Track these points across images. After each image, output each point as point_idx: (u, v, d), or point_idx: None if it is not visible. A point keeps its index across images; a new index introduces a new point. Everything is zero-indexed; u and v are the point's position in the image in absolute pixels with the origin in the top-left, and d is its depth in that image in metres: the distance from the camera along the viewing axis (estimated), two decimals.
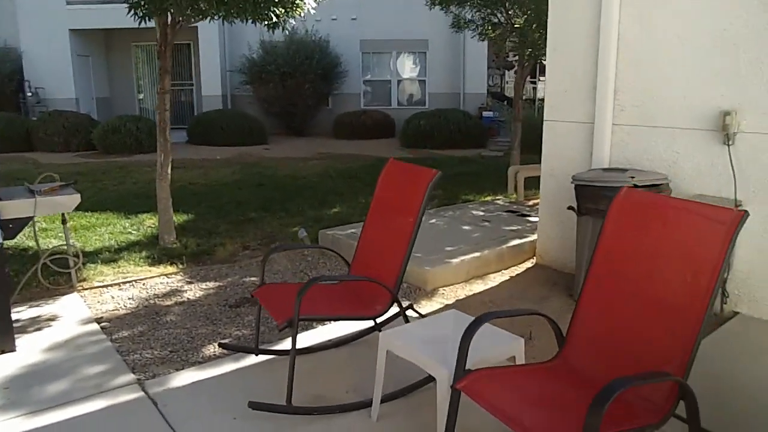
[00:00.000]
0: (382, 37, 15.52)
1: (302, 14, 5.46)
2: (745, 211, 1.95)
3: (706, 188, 3.77)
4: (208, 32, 14.37)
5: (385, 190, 3.31)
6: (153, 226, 6.23)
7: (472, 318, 2.78)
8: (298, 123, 14.84)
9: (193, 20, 4.88)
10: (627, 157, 4.17)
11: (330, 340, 3.48)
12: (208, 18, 4.99)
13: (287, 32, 14.59)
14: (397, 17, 15.02)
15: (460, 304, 4.21)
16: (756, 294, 3.66)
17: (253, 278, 4.70)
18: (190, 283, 4.63)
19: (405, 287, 4.47)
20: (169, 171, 5.59)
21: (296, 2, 5.02)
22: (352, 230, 5.43)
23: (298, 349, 3.28)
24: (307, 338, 3.50)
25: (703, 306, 1.99)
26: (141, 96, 16.18)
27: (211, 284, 4.60)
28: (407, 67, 16.38)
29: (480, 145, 12.97)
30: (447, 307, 4.17)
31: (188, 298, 4.31)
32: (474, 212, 6.15)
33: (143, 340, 3.61)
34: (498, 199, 6.99)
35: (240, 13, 4.81)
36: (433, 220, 5.79)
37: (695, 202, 2.13)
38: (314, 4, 5.42)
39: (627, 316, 2.21)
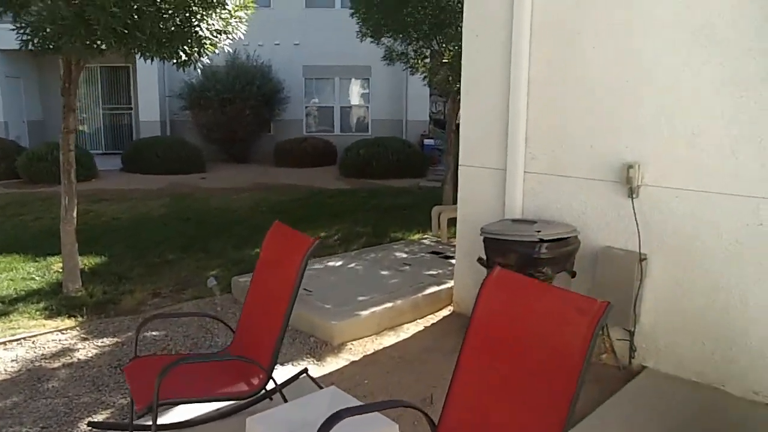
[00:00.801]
0: (325, 62, 15.39)
1: (216, 52, 5.24)
2: (608, 303, 1.82)
3: (614, 240, 3.69)
4: None
5: (268, 253, 3.10)
6: (60, 270, 5.84)
7: (351, 398, 2.61)
8: (238, 150, 14.50)
9: (91, 59, 4.59)
10: (539, 206, 4.08)
11: (217, 410, 3.22)
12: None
13: (229, 57, 14.38)
14: (340, 43, 14.89)
15: (367, 360, 4.01)
16: (661, 347, 3.58)
17: (155, 332, 4.40)
18: (85, 339, 4.29)
19: (312, 342, 4.24)
20: (75, 214, 5.24)
21: (207, 40, 4.77)
22: None
23: (173, 423, 3.02)
24: (189, 409, 3.23)
25: (567, 399, 1.84)
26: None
27: (107, 341, 4.26)
28: (350, 94, 16.28)
29: (420, 175, 12.88)
30: (353, 363, 3.96)
31: (78, 359, 3.97)
32: (397, 254, 5.98)
33: (14, 414, 3.26)
34: (425, 238, 6.84)
35: (143, 51, 4.55)
36: (353, 264, 5.59)
37: (561, 291, 1.99)
38: (238, 35, 5.17)
39: (498, 403, 2.05)
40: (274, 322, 2.75)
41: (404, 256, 5.92)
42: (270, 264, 3.02)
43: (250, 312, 3.05)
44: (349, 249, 6.60)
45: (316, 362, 3.97)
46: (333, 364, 3.95)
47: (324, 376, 3.77)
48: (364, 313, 4.37)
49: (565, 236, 3.64)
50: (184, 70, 5.24)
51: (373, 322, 4.40)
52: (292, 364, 3.92)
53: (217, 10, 4.69)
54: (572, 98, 3.81)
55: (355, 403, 2.51)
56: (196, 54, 4.94)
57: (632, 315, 3.54)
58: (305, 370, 3.41)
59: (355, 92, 16.33)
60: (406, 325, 4.60)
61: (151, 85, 13.96)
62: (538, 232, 3.56)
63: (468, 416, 2.09)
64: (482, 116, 4.34)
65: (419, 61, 8.17)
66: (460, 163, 4.57)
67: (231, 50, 14.13)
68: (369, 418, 2.32)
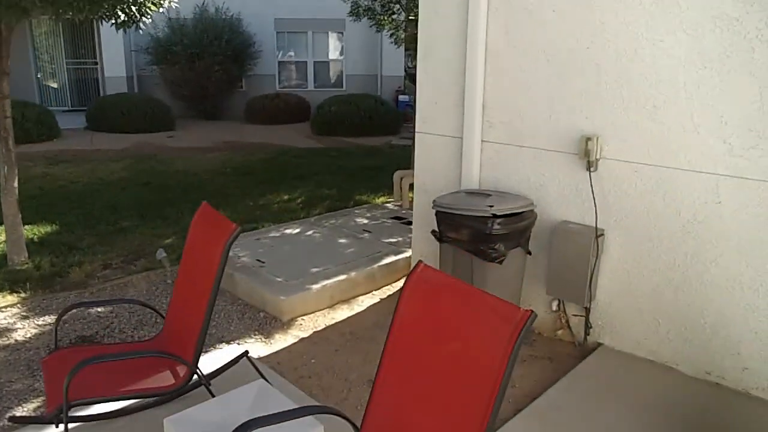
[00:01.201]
0: (298, 15, 14.76)
1: (162, 10, 4.85)
2: (531, 312, 1.63)
3: (572, 215, 3.50)
4: None
5: (193, 238, 2.86)
6: (4, 242, 5.56)
7: (278, 393, 2.44)
8: (209, 106, 13.98)
9: (16, 21, 4.20)
10: (497, 177, 3.86)
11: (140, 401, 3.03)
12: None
13: (197, 9, 13.71)
14: None
15: (317, 337, 3.85)
16: (617, 325, 3.45)
17: (100, 309, 4.19)
18: (26, 318, 4.07)
19: (261, 317, 4.08)
20: (15, 184, 4.92)
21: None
22: None
23: (93, 415, 2.84)
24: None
25: (486, 411, 1.66)
26: (39, 75, 14.79)
27: (49, 319, 4.04)
28: (324, 48, 15.70)
29: (393, 132, 12.56)
30: (302, 341, 3.80)
31: (15, 340, 3.75)
32: (358, 220, 5.77)
33: None
34: (389, 202, 6.63)
35: (73, 10, 4.16)
36: (311, 232, 5.37)
37: (486, 296, 1.79)
38: None
39: (417, 409, 1.88)
40: (197, 315, 2.55)
41: (365, 222, 5.71)
42: (194, 250, 2.79)
43: (177, 299, 2.85)
44: (311, 214, 6.38)
45: (264, 339, 3.80)
46: (281, 341, 3.79)
47: (270, 355, 3.61)
48: (316, 286, 4.19)
49: (520, 211, 3.44)
50: (125, 31, 4.87)
51: (325, 296, 4.22)
52: (238, 343, 3.75)
53: None
54: (531, 66, 3.55)
55: (281, 399, 2.35)
56: (136, 14, 4.56)
57: (587, 292, 3.39)
58: (245, 353, 3.23)
59: (329, 46, 15.75)
60: (360, 298, 4.44)
61: (116, 38, 13.23)
62: (491, 207, 3.36)
63: (389, 422, 1.93)
64: (439, 82, 4.06)
65: (386, 18, 7.76)
66: (416, 130, 4.31)
67: (199, 2, 13.55)
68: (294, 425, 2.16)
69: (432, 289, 1.89)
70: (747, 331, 2.95)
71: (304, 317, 4.10)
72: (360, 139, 11.70)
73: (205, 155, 9.67)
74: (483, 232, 3.35)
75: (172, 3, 4.76)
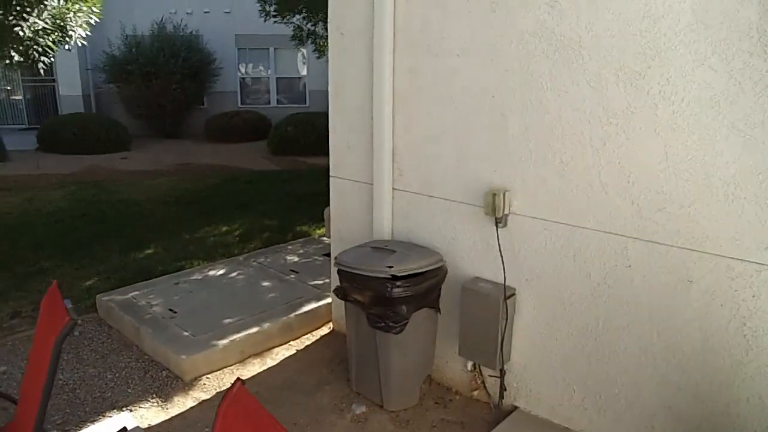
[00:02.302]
0: (259, 32, 14.36)
1: (68, 48, 4.49)
2: None
3: (484, 271, 3.20)
4: None
5: (37, 325, 2.50)
6: None
7: None
8: (167, 125, 13.55)
9: None
10: (409, 228, 3.56)
11: None
12: None
13: (154, 26, 13.29)
14: None
15: (218, 399, 3.48)
16: (532, 388, 3.15)
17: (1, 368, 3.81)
18: None
19: (163, 376, 3.71)
20: None
21: (31, 41, 4.03)
22: (134, 293, 4.59)
23: None
24: None
25: None
26: None
27: None
28: (286, 64, 15.34)
29: None
30: (201, 404, 3.45)
31: None
32: (289, 257, 5.43)
33: None
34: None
35: None
36: (235, 273, 5.01)
37: None
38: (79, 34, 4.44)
39: None
40: (32, 411, 2.19)
41: (296, 259, 5.37)
42: (35, 340, 2.43)
43: (23, 390, 2.47)
44: (246, 248, 6.03)
45: (160, 404, 3.44)
46: (179, 405, 3.43)
47: (162, 423, 3.26)
48: (223, 342, 3.83)
49: (425, 269, 3.13)
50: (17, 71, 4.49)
51: (234, 351, 3.87)
52: (130, 410, 3.39)
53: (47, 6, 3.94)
54: (439, 112, 3.25)
55: None
56: (35, 54, 4.20)
57: (498, 356, 3.09)
58: (123, 430, 2.88)
59: (292, 62, 15.40)
60: (276, 350, 4.09)
61: (70, 55, 12.73)
62: (390, 267, 3.05)
63: None
64: (351, 124, 3.75)
65: (325, 43, 7.44)
66: (330, 174, 4.00)
67: (157, 18, 13.13)
68: None
69: (243, 417, 1.55)
70: (661, 406, 2.67)
71: (209, 376, 3.74)
72: (316, 159, 11.32)
73: (154, 180, 9.24)
74: (384, 295, 3.04)
75: (77, 41, 4.41)
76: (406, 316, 3.09)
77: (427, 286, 3.14)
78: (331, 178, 4.00)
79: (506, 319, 3.04)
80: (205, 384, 3.66)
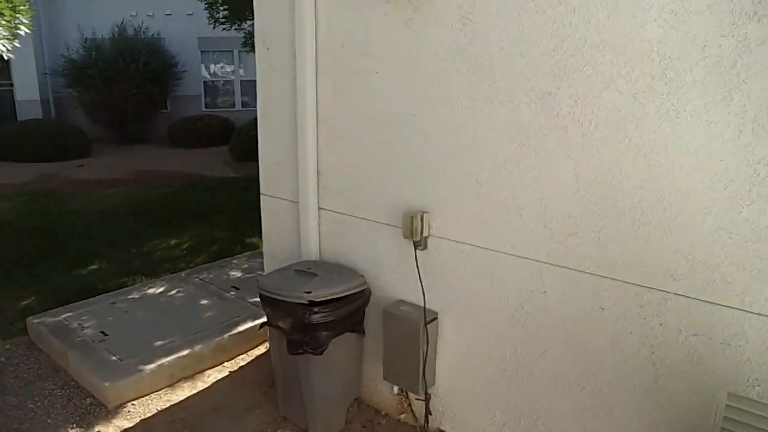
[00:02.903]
0: (223, 33, 14.10)
1: None
2: None
3: (408, 294, 3.10)
4: None
5: None
6: None
7: None
8: (130, 130, 13.24)
9: None
10: (337, 249, 3.45)
11: None
12: None
13: (114, 29, 12.97)
14: None
15: (141, 427, 3.37)
16: (457, 412, 3.06)
17: None
18: None
19: (87, 403, 3.55)
20: None
21: None
22: (67, 314, 4.41)
23: None
24: None
25: None
26: None
27: None
28: (252, 66, 15.09)
29: None
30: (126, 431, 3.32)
31: None
32: (232, 273, 5.28)
33: None
34: None
35: None
36: (174, 291, 4.86)
37: None
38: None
39: None
40: None
41: (239, 275, 5.23)
42: None
43: None
44: (193, 262, 5.88)
45: None
46: None
47: None
48: (150, 366, 3.69)
49: (346, 294, 3.03)
50: None
51: (163, 375, 3.73)
52: None
53: None
54: (362, 130, 3.15)
55: None
56: None
57: (421, 381, 3.00)
58: None
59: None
60: (209, 372, 3.96)
61: (27, 58, 12.34)
62: (308, 293, 2.93)
63: None
64: (279, 142, 3.63)
65: None
66: (261, 192, 3.87)
67: (117, 21, 12.83)
68: None
69: None
70: (575, 429, 2.60)
71: (135, 402, 3.60)
72: None
73: (110, 189, 9.00)
74: (302, 321, 2.94)
75: (5, 54, 4.21)
76: (325, 341, 2.98)
77: (348, 311, 3.04)
78: (261, 196, 3.87)
79: (427, 344, 2.94)
80: (129, 411, 3.52)
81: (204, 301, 4.63)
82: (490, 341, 2.83)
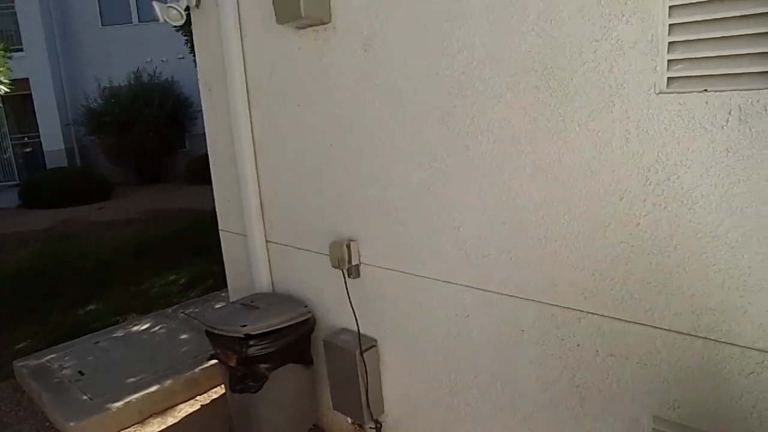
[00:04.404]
0: None
1: None
2: None
3: (349, 322, 2.98)
4: (41, 82, 12.78)
5: None
6: None
7: None
8: (150, 170, 13.52)
9: None
10: (286, 280, 3.36)
11: None
12: None
13: (131, 76, 13.34)
14: None
15: None
16: None
17: None
18: None
19: None
20: None
21: None
22: (51, 356, 4.43)
23: None
24: None
25: None
26: None
27: None
28: None
29: None
30: None
31: None
32: (218, 306, 5.24)
33: None
34: None
35: None
36: (158, 327, 4.83)
37: None
38: None
39: None
40: None
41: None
42: None
43: None
44: (187, 296, 5.87)
45: None
46: None
47: None
48: (118, 404, 3.64)
49: (283, 326, 2.92)
50: None
51: (132, 412, 3.68)
52: None
53: None
54: (295, 161, 3.07)
55: None
56: None
57: (365, 410, 2.86)
58: None
59: None
60: (181, 406, 3.90)
61: (50, 111, 12.81)
62: (244, 326, 2.85)
63: None
64: (226, 177, 3.58)
65: None
66: (220, 227, 3.82)
67: (133, 69, 13.21)
68: None
69: None
70: None
71: None
72: None
73: (123, 229, 9.15)
74: (239, 355, 2.85)
75: None
76: (265, 375, 2.88)
77: (288, 342, 2.93)
78: (220, 232, 3.82)
79: (366, 372, 2.81)
80: None
81: (184, 336, 4.59)
82: (426, 368, 2.68)
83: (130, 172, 13.43)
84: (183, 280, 6.50)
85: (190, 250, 7.49)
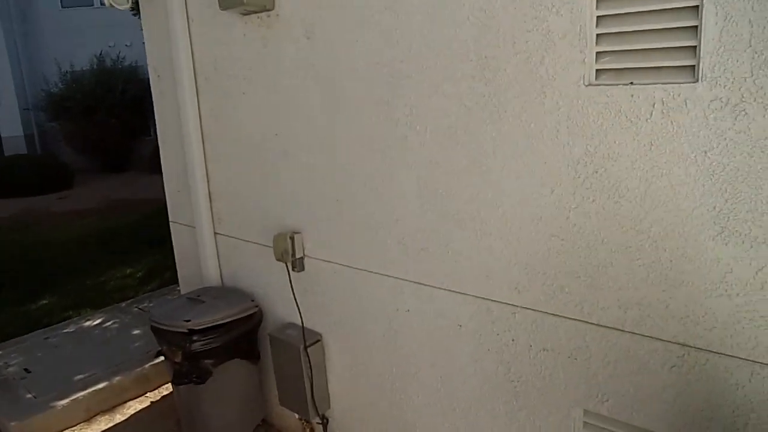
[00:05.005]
0: None
1: None
2: None
3: (296, 317, 2.96)
4: None
5: None
6: None
7: None
8: (114, 158, 13.25)
9: None
10: (235, 273, 3.33)
11: None
12: None
13: (94, 61, 13.05)
14: None
15: None
16: None
17: None
18: None
19: None
20: None
21: None
22: None
23: None
24: None
25: None
26: None
27: None
28: None
29: None
30: None
31: None
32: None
33: None
34: None
35: None
36: (111, 322, 4.75)
37: None
38: None
39: None
40: None
41: None
42: None
43: None
44: (143, 290, 5.80)
45: None
46: None
47: None
48: (62, 402, 3.59)
49: (228, 320, 2.90)
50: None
51: (78, 410, 3.62)
52: None
53: None
54: (241, 153, 3.04)
55: None
56: None
57: (311, 406, 2.86)
58: None
59: None
60: (130, 403, 3.85)
61: (8, 95, 12.45)
62: (187, 321, 2.82)
63: None
64: (176, 168, 3.53)
65: None
66: (170, 219, 3.77)
67: (96, 53, 12.92)
68: None
69: None
70: None
71: None
72: None
73: (82, 220, 8.98)
74: (183, 350, 2.82)
75: None
76: (209, 370, 2.86)
77: (233, 337, 2.91)
78: (170, 223, 3.77)
79: (311, 367, 2.81)
80: None
81: (136, 331, 4.53)
82: (370, 363, 2.68)
83: (93, 161, 13.15)
84: (140, 273, 6.41)
85: (149, 242, 7.39)
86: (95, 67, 12.78)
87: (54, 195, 11.11)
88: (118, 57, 13.03)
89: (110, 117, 12.33)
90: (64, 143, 12.95)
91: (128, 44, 13.09)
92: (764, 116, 1.44)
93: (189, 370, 2.87)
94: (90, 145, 12.70)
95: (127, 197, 10.47)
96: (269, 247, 2.98)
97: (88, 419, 3.68)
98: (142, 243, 7.39)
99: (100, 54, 13.01)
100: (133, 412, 3.77)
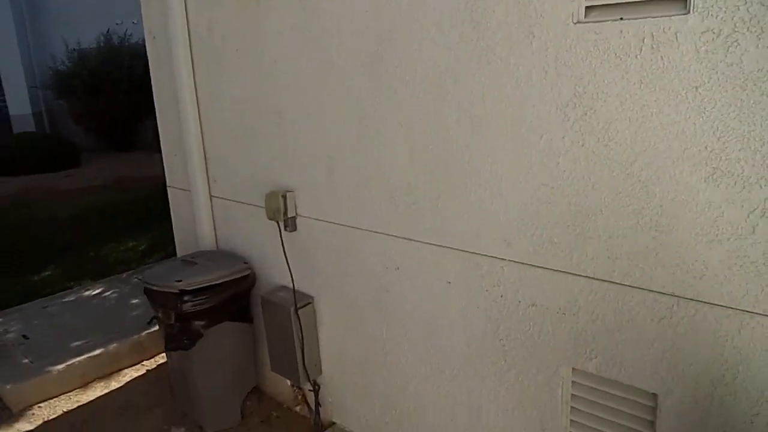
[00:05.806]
0: None
1: None
2: None
3: (288, 279, 2.97)
4: (7, 43, 12.45)
5: None
6: None
7: None
8: (121, 137, 13.30)
9: None
10: (230, 235, 3.34)
11: None
12: None
13: (101, 39, 13.07)
14: None
15: (44, 429, 3.33)
16: (344, 402, 2.92)
17: None
18: None
19: None
20: None
21: None
22: None
23: None
24: None
25: None
26: None
27: None
28: None
29: None
30: None
31: None
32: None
33: None
34: None
35: None
36: (110, 292, 4.80)
37: None
38: None
39: None
40: None
41: None
42: None
43: None
44: (145, 262, 5.85)
45: None
46: None
47: None
48: (59, 367, 3.64)
49: (220, 281, 2.91)
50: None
51: (74, 376, 3.68)
52: None
53: None
54: (230, 118, 3.05)
55: None
56: None
57: (302, 370, 2.87)
58: None
59: None
60: (126, 371, 3.90)
61: (16, 73, 12.53)
62: (179, 281, 2.83)
63: None
64: (173, 131, 3.54)
65: None
66: (167, 184, 3.78)
67: (103, 30, 12.95)
68: None
69: None
70: (443, 417, 2.44)
71: (41, 405, 3.55)
72: None
73: (86, 197, 9.04)
74: (174, 311, 2.84)
75: None
76: (200, 332, 2.88)
77: (224, 298, 2.93)
78: (168, 188, 3.79)
79: (301, 331, 2.81)
80: (33, 414, 3.48)
81: (134, 301, 4.57)
82: (360, 324, 2.68)
83: (99, 139, 13.22)
84: (143, 246, 6.47)
85: (153, 218, 7.43)
86: (102, 45, 12.80)
87: (62, 173, 11.21)
88: (125, 34, 13.03)
89: (117, 95, 12.35)
90: (71, 121, 13.03)
91: (135, 22, 13.04)
92: (758, 46, 1.39)
93: (180, 332, 2.89)
94: (97, 123, 12.75)
95: (134, 175, 10.53)
96: (263, 207, 2.98)
97: (84, 385, 3.72)
98: (147, 218, 7.44)
99: (108, 32, 13.01)
100: (129, 379, 3.81)
